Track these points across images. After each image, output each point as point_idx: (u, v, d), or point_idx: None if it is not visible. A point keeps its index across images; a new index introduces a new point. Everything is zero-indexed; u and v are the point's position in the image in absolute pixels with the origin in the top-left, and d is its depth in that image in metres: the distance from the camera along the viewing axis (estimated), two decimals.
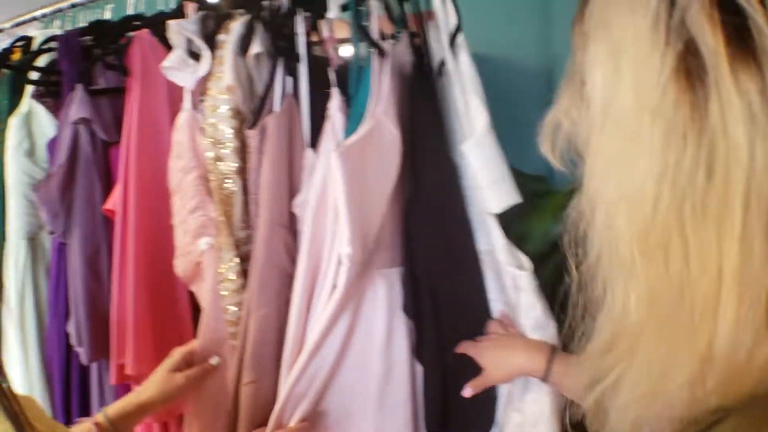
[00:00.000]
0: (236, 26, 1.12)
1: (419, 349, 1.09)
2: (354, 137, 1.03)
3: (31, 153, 1.48)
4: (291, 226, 1.14)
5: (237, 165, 1.11)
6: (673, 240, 0.42)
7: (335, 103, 1.10)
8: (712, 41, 0.39)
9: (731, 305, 0.41)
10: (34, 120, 1.49)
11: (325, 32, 1.13)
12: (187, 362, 1.13)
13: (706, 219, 0.40)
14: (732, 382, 0.42)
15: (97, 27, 1.47)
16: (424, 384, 1.08)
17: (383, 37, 1.15)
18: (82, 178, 1.40)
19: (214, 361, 1.13)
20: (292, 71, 1.15)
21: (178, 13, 1.27)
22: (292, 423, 1.07)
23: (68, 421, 1.43)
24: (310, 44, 1.14)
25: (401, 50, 1.14)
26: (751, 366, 0.41)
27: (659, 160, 0.41)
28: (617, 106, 0.44)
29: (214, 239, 1.11)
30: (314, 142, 1.13)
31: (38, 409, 0.87)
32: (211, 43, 1.14)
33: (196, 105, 1.16)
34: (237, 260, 1.11)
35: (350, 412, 1.08)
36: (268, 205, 1.12)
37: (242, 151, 1.13)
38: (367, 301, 1.07)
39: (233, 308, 1.10)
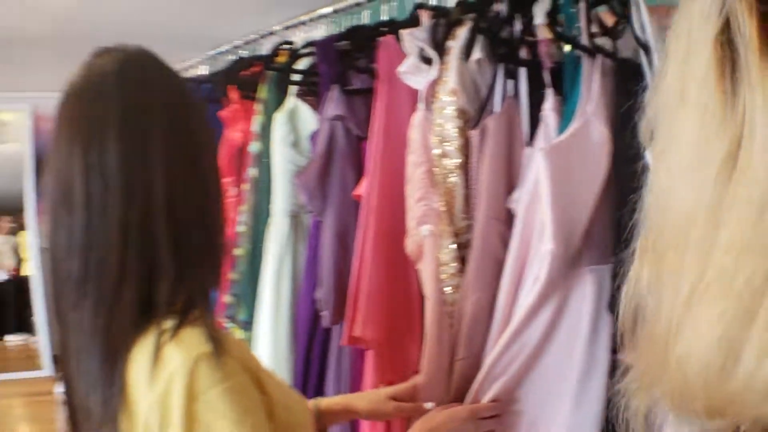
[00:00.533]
0: (461, 33, 1.22)
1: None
2: (561, 137, 1.08)
3: (295, 144, 1.73)
4: (508, 220, 1.23)
5: (460, 161, 1.22)
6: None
7: (549, 103, 1.16)
8: (747, 30, 0.39)
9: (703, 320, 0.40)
10: (298, 115, 1.73)
11: (539, 35, 1.18)
12: (410, 395, 1.23)
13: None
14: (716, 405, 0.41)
15: (352, 32, 1.65)
16: None
17: (606, 31, 1.18)
18: (337, 166, 1.61)
19: (428, 405, 1.21)
20: (512, 74, 1.22)
21: (413, 20, 1.40)
22: (485, 400, 1.17)
23: (306, 373, 1.67)
24: (527, 48, 1.21)
25: (624, 45, 1.16)
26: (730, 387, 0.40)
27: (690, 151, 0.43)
28: (666, 92, 0.46)
29: (434, 227, 1.23)
30: (533, 141, 1.20)
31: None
32: (441, 50, 1.26)
33: (429, 106, 1.29)
34: (454, 247, 1.22)
35: (545, 403, 1.14)
36: (486, 199, 1.21)
37: (465, 148, 1.23)
38: (575, 296, 1.12)
39: (449, 289, 1.22)
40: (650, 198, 0.48)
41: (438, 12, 1.32)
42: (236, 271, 1.84)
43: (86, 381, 0.78)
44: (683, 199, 0.44)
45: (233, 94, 1.95)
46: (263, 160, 1.77)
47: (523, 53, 1.22)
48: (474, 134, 1.22)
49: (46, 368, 5.08)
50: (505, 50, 1.21)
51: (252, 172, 1.81)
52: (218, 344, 0.76)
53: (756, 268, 0.38)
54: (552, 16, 1.19)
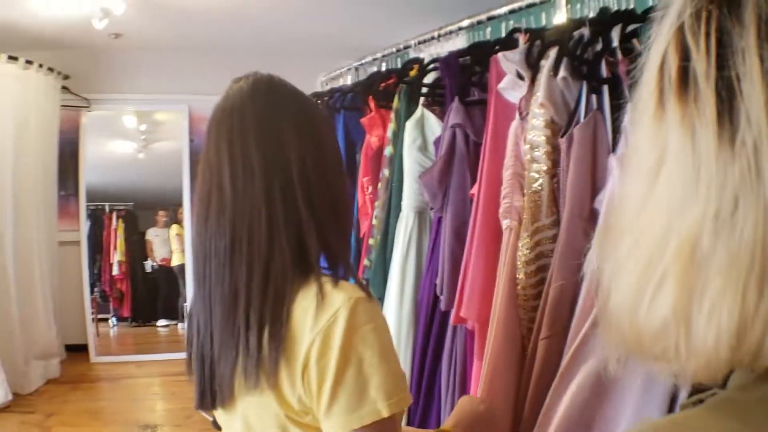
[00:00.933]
0: (551, 53, 1.41)
1: None
2: None
3: (423, 148, 1.98)
4: (591, 218, 1.39)
5: (547, 166, 1.40)
6: None
7: (628, 116, 1.30)
8: (673, 71, 0.49)
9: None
10: (426, 123, 1.97)
11: (618, 56, 1.34)
12: None
13: None
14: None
15: (471, 49, 1.88)
16: None
17: None
18: (456, 169, 1.83)
19: None
20: (596, 90, 1.38)
21: (510, 40, 1.59)
22: (574, 383, 1.34)
23: (424, 350, 1.91)
24: (608, 66, 1.36)
25: None
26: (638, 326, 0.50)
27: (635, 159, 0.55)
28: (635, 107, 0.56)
29: (513, 221, 1.43)
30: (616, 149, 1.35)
31: None
32: (534, 69, 1.45)
33: (523, 117, 1.48)
34: (528, 240, 1.41)
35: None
36: (571, 199, 1.39)
37: (553, 154, 1.41)
38: None
39: (521, 276, 1.41)
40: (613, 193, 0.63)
41: (533, 35, 1.51)
42: (368, 258, 2.12)
43: (256, 321, 0.93)
44: (627, 194, 0.54)
45: (372, 103, 2.23)
46: (395, 162, 2.03)
47: (603, 73, 1.38)
48: (562, 142, 1.40)
49: None
50: (588, 69, 1.37)
51: (385, 172, 2.08)
52: (368, 293, 0.94)
53: (658, 240, 0.50)
54: (627, 38, 1.35)
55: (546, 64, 1.42)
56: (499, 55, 1.51)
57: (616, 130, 1.36)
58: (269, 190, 0.95)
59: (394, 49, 2.48)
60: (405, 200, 2.01)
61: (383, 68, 2.55)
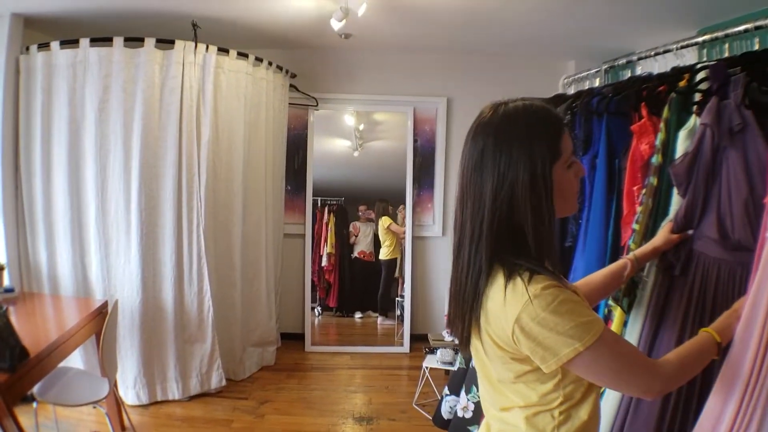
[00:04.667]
0: None
1: None
2: None
3: None
4: None
5: None
6: None
7: None
8: None
9: None
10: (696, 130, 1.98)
11: None
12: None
13: None
14: None
15: (744, 57, 1.87)
16: None
17: None
18: (701, 164, 1.87)
19: (690, 232, 1.93)
20: None
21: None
22: None
23: None
24: None
25: None
26: None
27: None
28: None
29: None
30: None
31: None
32: None
33: None
34: None
35: None
36: None
37: None
38: None
39: None
40: None
41: None
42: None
43: (469, 277, 1.40)
44: None
45: (644, 110, 2.21)
46: (663, 171, 2.04)
47: None
48: None
49: (405, 346, 5.83)
50: None
51: (652, 180, 2.07)
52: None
53: None
54: None
55: None
56: None
57: None
58: (495, 195, 1.36)
59: (651, 53, 2.48)
60: (672, 206, 2.02)
61: (637, 72, 2.54)
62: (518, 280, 1.31)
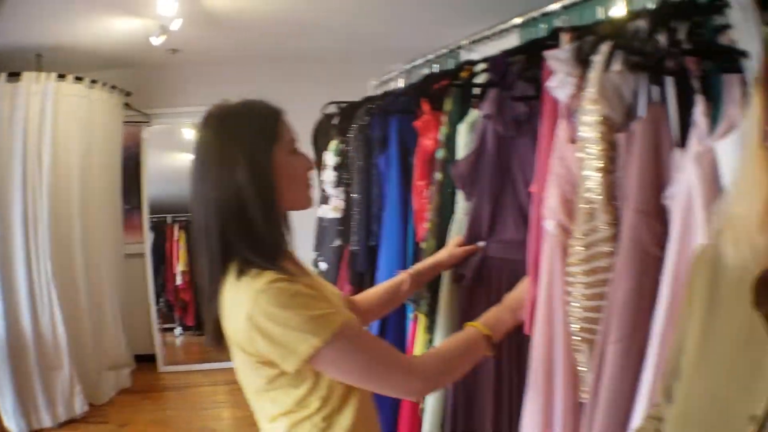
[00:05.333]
0: (603, 48, 1.36)
1: None
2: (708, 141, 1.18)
3: None
4: (658, 215, 1.33)
5: (602, 164, 1.36)
6: None
7: (699, 108, 1.24)
8: None
9: None
10: (478, 125, 1.94)
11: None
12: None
13: None
14: None
15: (521, 48, 1.85)
16: None
17: None
18: (483, 162, 1.84)
19: (481, 244, 1.83)
20: (657, 82, 1.33)
21: (553, 39, 1.58)
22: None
23: None
24: (673, 58, 1.30)
25: None
26: None
27: None
28: None
29: (554, 223, 1.46)
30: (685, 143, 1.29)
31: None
32: (586, 65, 1.40)
33: (574, 115, 1.44)
34: (581, 240, 1.38)
35: None
36: (635, 195, 1.33)
37: (609, 152, 1.36)
38: None
39: (574, 279, 1.40)
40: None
41: (581, 32, 1.46)
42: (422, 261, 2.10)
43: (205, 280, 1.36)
44: None
45: (425, 106, 2.20)
46: (447, 165, 2.01)
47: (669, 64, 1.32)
48: (621, 137, 1.35)
49: None
50: (646, 62, 1.32)
51: (438, 176, 2.05)
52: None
53: None
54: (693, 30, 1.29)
55: (598, 59, 1.37)
56: (547, 53, 1.47)
57: (685, 124, 1.30)
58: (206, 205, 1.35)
59: (446, 50, 2.45)
60: (460, 204, 1.98)
61: (436, 70, 2.52)
62: (246, 277, 1.28)
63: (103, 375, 5.02)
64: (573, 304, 1.44)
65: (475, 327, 1.50)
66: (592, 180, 1.38)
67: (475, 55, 2.13)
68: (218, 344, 1.40)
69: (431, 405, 2.00)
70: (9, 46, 4.56)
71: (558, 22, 1.77)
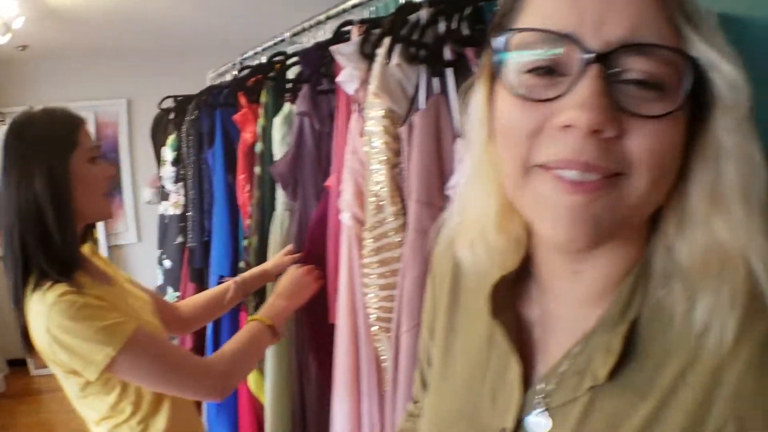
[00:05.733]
0: (385, 42, 1.37)
1: None
2: None
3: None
4: (442, 205, 1.37)
5: (386, 156, 1.38)
6: None
7: None
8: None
9: None
10: (293, 118, 1.92)
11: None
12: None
13: None
14: None
15: (328, 41, 1.83)
16: None
17: None
18: (305, 159, 1.83)
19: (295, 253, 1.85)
20: (439, 73, 1.36)
21: (340, 35, 1.61)
22: None
23: None
24: (452, 48, 1.33)
25: None
26: None
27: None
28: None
29: (348, 215, 1.45)
30: None
31: None
32: (370, 59, 1.41)
33: (360, 110, 1.45)
34: (371, 232, 1.40)
35: None
36: (418, 187, 1.36)
37: (393, 144, 1.38)
38: None
39: (367, 270, 1.40)
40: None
41: (369, 25, 1.48)
42: (243, 259, 2.07)
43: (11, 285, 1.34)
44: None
45: (242, 99, 2.17)
46: (266, 158, 1.98)
47: (447, 55, 1.35)
48: (402, 130, 1.37)
49: None
50: (425, 53, 1.34)
51: (257, 170, 2.02)
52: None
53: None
54: (472, 19, 1.32)
55: (381, 51, 1.39)
56: (332, 48, 1.47)
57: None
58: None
59: (271, 43, 2.41)
60: (279, 198, 1.96)
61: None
62: (39, 290, 1.29)
63: None
64: (369, 295, 1.46)
65: (257, 320, 1.56)
66: (379, 173, 1.39)
67: (294, 48, 2.12)
68: (31, 352, 1.39)
69: (271, 404, 1.97)
70: None
71: (366, 14, 1.78)
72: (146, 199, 5.14)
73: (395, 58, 1.35)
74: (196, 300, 1.82)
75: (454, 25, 1.36)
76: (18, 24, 3.74)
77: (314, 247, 1.73)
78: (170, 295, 3.07)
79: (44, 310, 1.27)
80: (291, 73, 2.00)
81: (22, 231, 1.31)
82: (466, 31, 1.37)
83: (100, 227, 5.50)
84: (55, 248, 1.32)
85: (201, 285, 2.64)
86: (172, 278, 3.12)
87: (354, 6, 1.88)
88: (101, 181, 1.41)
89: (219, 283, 1.86)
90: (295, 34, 2.24)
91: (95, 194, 1.40)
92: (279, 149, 1.93)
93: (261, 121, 2.02)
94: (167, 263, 3.14)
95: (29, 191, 1.31)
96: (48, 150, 1.34)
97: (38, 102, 4.60)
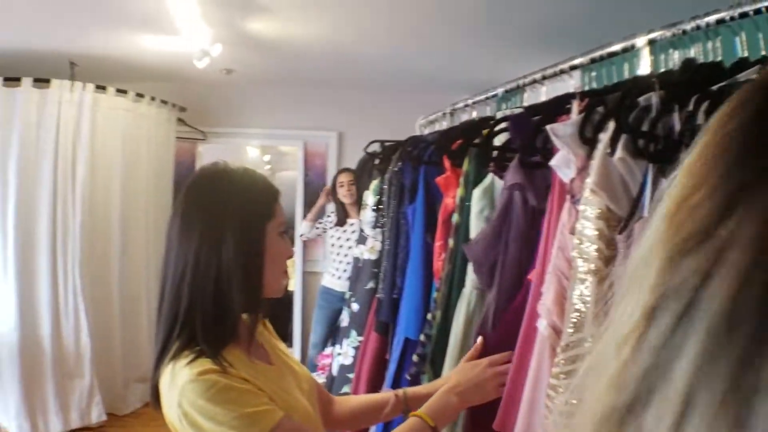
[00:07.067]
0: (609, 126, 1.13)
1: None
2: None
3: (490, 219, 1.72)
4: None
5: (596, 266, 1.12)
6: None
7: None
8: None
9: None
10: (495, 191, 1.72)
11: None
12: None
13: None
14: None
15: (539, 107, 1.62)
16: None
17: None
18: (510, 239, 1.56)
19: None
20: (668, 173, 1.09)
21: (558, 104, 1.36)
22: None
23: None
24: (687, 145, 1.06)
25: None
26: None
27: None
28: None
29: (546, 324, 1.21)
30: None
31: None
32: (591, 144, 1.17)
33: (574, 201, 1.21)
34: (563, 353, 1.14)
35: None
36: None
37: (606, 251, 1.13)
38: None
39: (553, 393, 1.16)
40: None
41: (592, 99, 1.23)
42: (425, 332, 1.89)
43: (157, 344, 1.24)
44: None
45: (446, 162, 2.01)
46: (461, 231, 1.80)
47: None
48: (620, 239, 1.12)
49: None
50: (656, 147, 1.08)
51: (450, 242, 1.85)
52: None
53: None
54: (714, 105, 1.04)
55: (603, 139, 1.14)
56: (548, 128, 1.25)
57: None
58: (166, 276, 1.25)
59: (482, 97, 2.24)
60: (470, 275, 1.76)
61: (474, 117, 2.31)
62: (180, 361, 1.18)
63: (130, 387, 4.97)
64: (549, 419, 1.22)
65: (419, 417, 1.37)
66: (585, 285, 1.15)
67: (534, 95, 1.91)
68: (158, 407, 1.29)
69: None
70: (41, 49, 4.39)
71: (586, 79, 1.53)
72: (300, 232, 5.24)
73: (619, 152, 1.10)
74: (353, 403, 1.65)
75: (690, 114, 1.08)
76: (216, 51, 3.86)
77: (502, 346, 1.49)
78: (353, 338, 3.00)
79: (179, 385, 1.16)
80: (498, 140, 1.78)
81: (194, 291, 1.20)
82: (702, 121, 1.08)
83: (297, 249, 5.62)
84: (219, 318, 1.21)
85: (384, 337, 2.52)
86: (358, 322, 3.05)
87: (572, 68, 1.65)
88: (284, 257, 1.31)
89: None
90: (507, 91, 2.05)
91: (279, 269, 1.30)
92: (475, 224, 1.74)
93: (460, 191, 1.84)
94: (355, 306, 3.08)
95: (216, 252, 1.19)
96: (248, 214, 1.23)
97: (244, 125, 4.85)
